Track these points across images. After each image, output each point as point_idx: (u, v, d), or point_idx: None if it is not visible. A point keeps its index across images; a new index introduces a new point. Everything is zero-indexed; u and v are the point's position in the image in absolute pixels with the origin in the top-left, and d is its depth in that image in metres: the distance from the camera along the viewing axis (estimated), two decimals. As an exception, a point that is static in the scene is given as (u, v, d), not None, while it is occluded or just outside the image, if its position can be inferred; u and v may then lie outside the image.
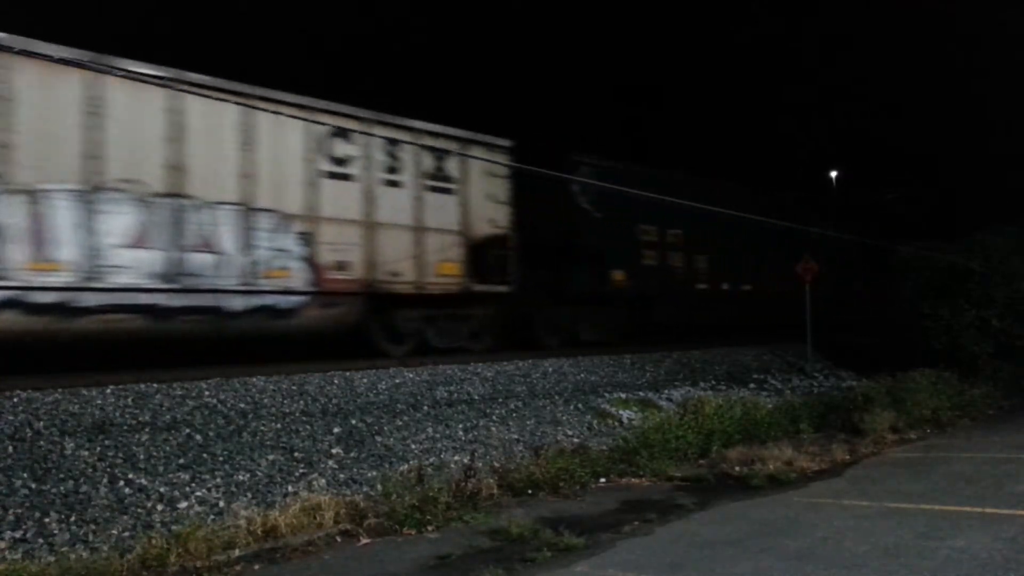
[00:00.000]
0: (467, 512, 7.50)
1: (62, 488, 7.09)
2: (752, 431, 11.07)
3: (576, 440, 10.67)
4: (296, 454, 8.64)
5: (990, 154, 25.63)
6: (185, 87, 10.13)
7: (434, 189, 13.36)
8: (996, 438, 11.62)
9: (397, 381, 11.33)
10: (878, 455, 10.50)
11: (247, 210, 11.09)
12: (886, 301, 18.90)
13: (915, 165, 28.39)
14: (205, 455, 8.16)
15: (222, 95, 10.32)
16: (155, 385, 9.43)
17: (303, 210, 11.68)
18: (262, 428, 8.99)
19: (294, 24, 25.10)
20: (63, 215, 9.51)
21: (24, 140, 9.25)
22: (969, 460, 9.82)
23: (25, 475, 7.15)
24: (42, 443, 7.69)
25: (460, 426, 10.31)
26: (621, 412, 12.10)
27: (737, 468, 9.46)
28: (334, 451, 8.91)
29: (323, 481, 8.15)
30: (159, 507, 7.18)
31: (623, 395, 13.01)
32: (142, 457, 7.84)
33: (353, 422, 9.68)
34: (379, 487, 7.86)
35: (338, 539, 6.82)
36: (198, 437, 8.46)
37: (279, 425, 9.16)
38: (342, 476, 8.44)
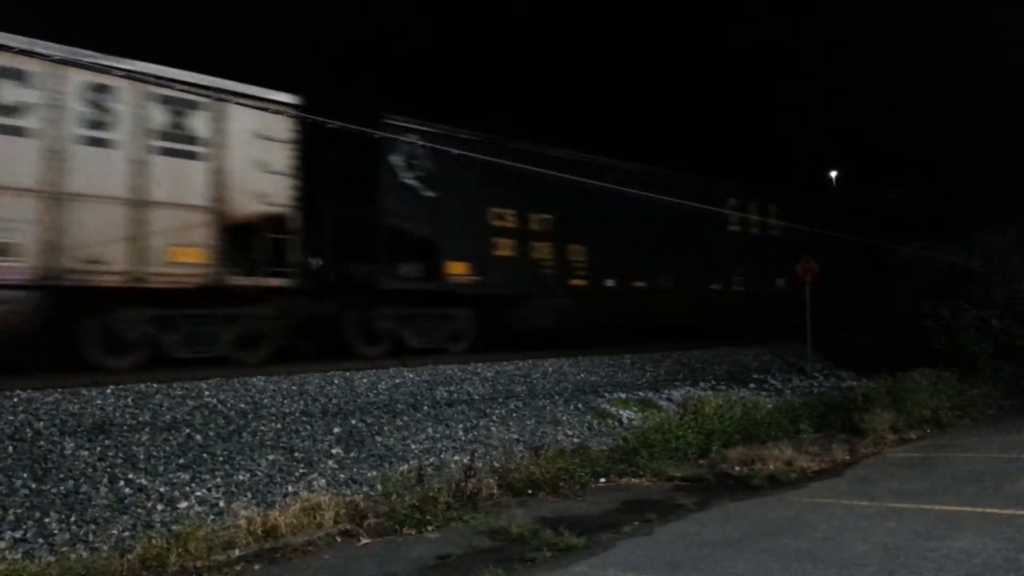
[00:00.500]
0: (467, 512, 7.51)
1: (62, 488, 7.09)
2: (752, 431, 11.08)
3: (576, 440, 10.67)
4: (296, 454, 8.64)
5: (990, 154, 25.64)
6: None
7: (168, 152, 10.38)
8: (996, 438, 11.61)
9: (397, 381, 11.34)
10: (878, 455, 10.50)
11: None
12: (886, 301, 18.87)
13: (915, 165, 28.41)
14: (205, 455, 8.16)
15: None
16: (155, 385, 9.44)
17: None
18: (262, 428, 8.99)
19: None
20: None
21: None
22: (969, 460, 9.81)
23: (25, 475, 7.15)
24: (42, 443, 7.69)
25: (460, 426, 10.31)
26: (621, 412, 12.10)
27: (737, 468, 9.46)
28: (334, 451, 8.91)
29: (323, 481, 8.16)
30: (159, 507, 7.18)
31: (623, 395, 13.01)
32: (142, 457, 7.84)
33: (353, 422, 9.68)
34: (379, 487, 7.86)
35: (338, 539, 6.83)
36: (198, 437, 8.46)
37: (279, 425, 9.16)
38: (342, 476, 8.45)
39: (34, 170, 9.43)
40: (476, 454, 9.07)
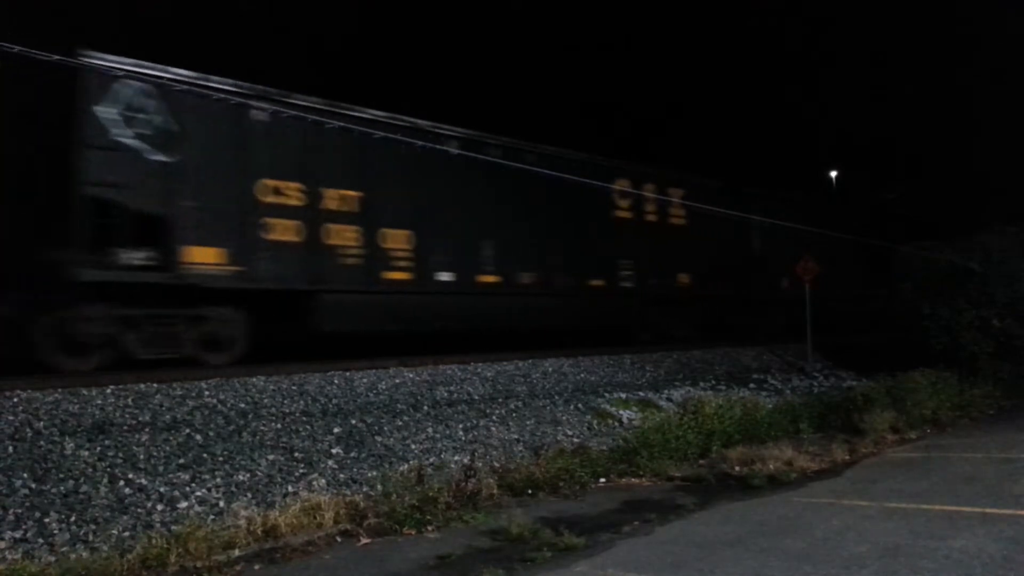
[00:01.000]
0: (467, 512, 7.51)
1: (62, 488, 7.09)
2: (752, 431, 11.08)
3: (576, 440, 10.67)
4: (296, 454, 8.64)
5: (990, 154, 25.65)
6: None
7: None
8: (996, 438, 11.60)
9: (397, 381, 11.34)
10: (878, 455, 10.50)
11: None
12: (886, 301, 18.86)
13: (915, 165, 28.45)
14: (205, 455, 8.16)
15: None
16: (155, 385, 9.45)
17: None
18: (262, 428, 9.00)
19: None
20: None
21: None
22: (969, 460, 9.81)
23: (25, 475, 7.15)
24: (42, 443, 7.69)
25: (460, 426, 10.31)
26: (621, 412, 12.10)
27: (737, 468, 9.45)
28: (334, 451, 8.91)
29: (323, 481, 8.16)
30: (159, 507, 7.18)
31: (623, 395, 13.01)
32: (142, 457, 7.84)
33: (353, 422, 9.68)
34: (379, 487, 7.87)
35: (338, 539, 6.83)
36: (198, 437, 8.46)
37: (279, 425, 9.17)
38: (342, 476, 8.45)
39: None
40: (476, 454, 9.08)
